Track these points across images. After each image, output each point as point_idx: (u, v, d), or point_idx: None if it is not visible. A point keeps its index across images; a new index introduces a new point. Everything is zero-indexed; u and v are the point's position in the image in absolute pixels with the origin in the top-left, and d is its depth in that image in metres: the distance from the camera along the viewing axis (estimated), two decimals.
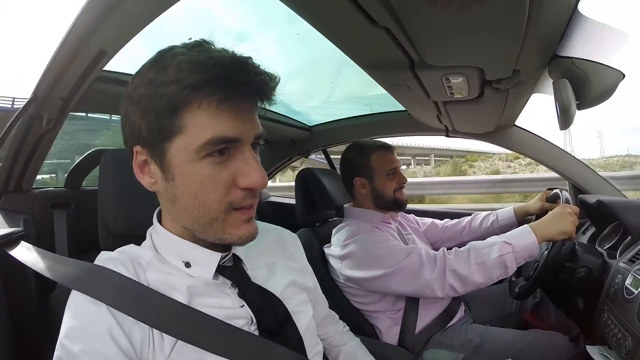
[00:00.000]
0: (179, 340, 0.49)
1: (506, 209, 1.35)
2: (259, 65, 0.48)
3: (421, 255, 1.02)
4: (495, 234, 1.04)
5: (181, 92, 0.45)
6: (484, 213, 1.39)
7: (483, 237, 1.03)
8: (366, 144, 1.25)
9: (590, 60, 0.75)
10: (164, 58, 0.48)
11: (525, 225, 1.00)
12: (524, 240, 0.96)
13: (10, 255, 0.71)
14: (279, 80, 0.49)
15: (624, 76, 0.79)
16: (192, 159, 0.48)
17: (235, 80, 0.45)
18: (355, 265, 1.09)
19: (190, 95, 0.45)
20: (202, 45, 0.48)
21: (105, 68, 0.75)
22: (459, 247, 1.02)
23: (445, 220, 1.45)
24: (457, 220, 1.42)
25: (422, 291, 1.01)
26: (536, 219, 1.11)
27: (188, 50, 0.47)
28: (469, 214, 1.44)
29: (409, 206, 1.35)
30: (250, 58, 0.47)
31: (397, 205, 1.22)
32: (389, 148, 1.25)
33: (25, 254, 0.69)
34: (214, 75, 0.44)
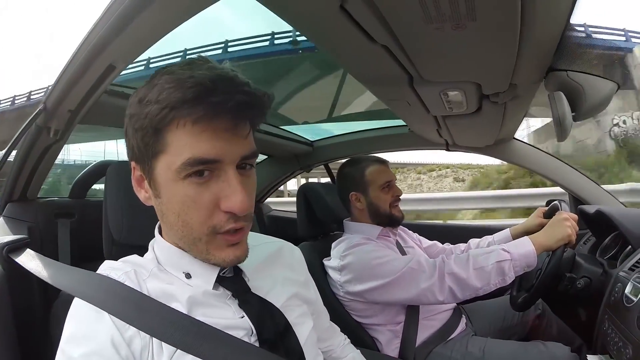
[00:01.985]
0: (178, 350, 0.49)
1: (503, 231, 1.35)
2: (247, 83, 0.46)
3: (420, 262, 1.03)
4: None
5: (161, 112, 0.45)
6: (479, 239, 1.38)
7: None
8: (360, 159, 1.27)
9: (584, 72, 0.77)
10: (155, 76, 0.48)
11: (525, 236, 1.02)
12: (522, 249, 0.97)
13: (15, 261, 0.73)
14: (271, 99, 0.48)
15: (618, 87, 0.81)
16: (175, 179, 0.48)
17: (211, 100, 0.44)
18: (354, 277, 1.10)
19: (169, 115, 0.45)
20: (192, 63, 0.47)
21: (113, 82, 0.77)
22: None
23: (446, 244, 1.45)
24: (455, 246, 1.42)
25: (424, 296, 1.01)
26: None
27: (178, 68, 0.47)
28: (463, 228, 1.44)
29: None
30: (237, 75, 0.46)
31: (392, 220, 1.22)
32: (383, 162, 1.26)
33: (30, 261, 0.70)
34: (191, 94, 0.44)
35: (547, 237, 0.99)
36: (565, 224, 0.98)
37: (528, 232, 1.26)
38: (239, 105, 0.45)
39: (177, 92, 0.44)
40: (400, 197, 1.23)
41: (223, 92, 0.44)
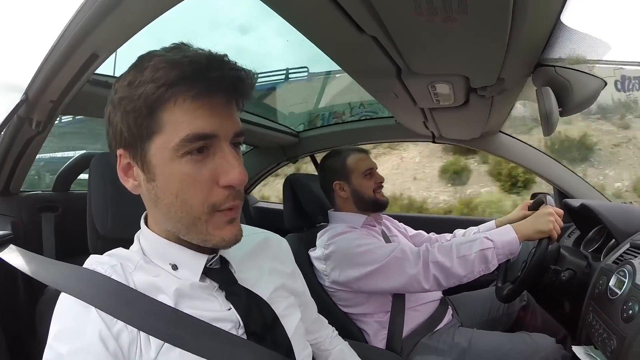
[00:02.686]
0: (166, 343, 0.49)
1: (488, 223, 1.37)
2: (236, 63, 0.48)
3: (404, 251, 1.04)
4: None
5: (157, 90, 0.46)
6: (465, 230, 1.40)
7: None
8: (340, 150, 1.29)
9: (572, 69, 0.78)
10: (142, 61, 0.48)
11: (507, 225, 1.04)
12: (505, 237, 0.99)
13: None
14: (257, 78, 0.50)
15: (605, 84, 0.83)
16: (172, 158, 0.48)
17: (210, 75, 0.46)
18: (338, 265, 1.10)
19: (167, 93, 0.46)
20: (179, 47, 0.49)
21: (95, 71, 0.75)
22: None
23: (431, 233, 1.47)
24: (440, 235, 1.44)
25: (410, 284, 1.02)
26: None
27: (166, 52, 0.48)
28: (449, 221, 1.46)
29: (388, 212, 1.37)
30: (226, 55, 0.48)
31: (377, 205, 1.24)
32: (363, 151, 1.28)
33: (14, 257, 0.69)
34: (189, 71, 0.45)
35: (529, 227, 1.01)
36: (549, 218, 1.00)
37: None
38: (234, 81, 0.47)
39: (174, 70, 0.45)
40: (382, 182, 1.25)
41: (219, 68, 0.46)
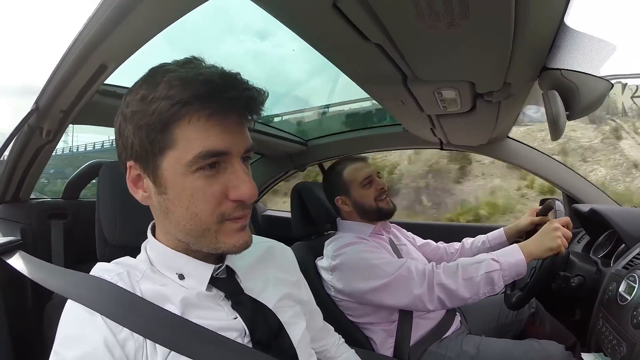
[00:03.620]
0: (172, 352, 0.49)
1: (496, 231, 1.36)
2: (248, 81, 0.49)
3: (410, 270, 1.03)
4: None
5: (172, 107, 0.46)
6: (473, 238, 1.39)
7: None
8: (338, 162, 1.28)
9: (579, 72, 0.77)
10: (155, 75, 0.49)
11: (514, 244, 1.02)
12: (512, 258, 0.97)
13: (7, 264, 0.72)
14: (268, 96, 0.51)
15: (612, 86, 0.82)
16: (184, 173, 0.49)
17: (224, 96, 0.47)
18: (345, 277, 1.10)
19: (181, 110, 0.47)
20: (192, 62, 0.49)
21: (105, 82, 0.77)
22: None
23: (440, 242, 1.45)
24: (449, 244, 1.43)
25: (414, 304, 1.02)
26: (527, 236, 1.10)
27: (178, 67, 0.49)
28: (457, 228, 1.44)
29: (397, 220, 1.36)
30: (239, 74, 0.49)
31: (382, 214, 1.22)
32: (359, 159, 1.26)
33: (23, 263, 0.70)
34: (203, 90, 0.46)
35: (537, 246, 0.98)
36: (555, 233, 0.97)
37: (520, 231, 1.28)
38: (247, 101, 0.48)
39: (187, 89, 0.46)
40: (385, 188, 1.23)
41: (233, 88, 0.47)
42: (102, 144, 7.53)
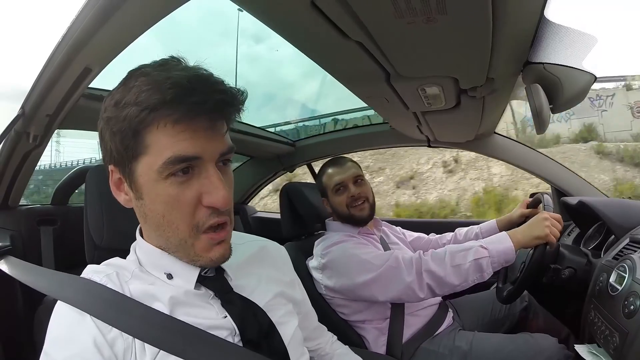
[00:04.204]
0: (161, 351, 0.49)
1: (489, 222, 1.37)
2: (223, 82, 0.48)
3: (398, 259, 1.04)
4: None
5: (140, 113, 0.46)
6: (466, 228, 1.40)
7: None
8: (323, 164, 1.29)
9: (561, 65, 0.78)
10: (130, 79, 0.49)
11: (503, 232, 1.02)
12: (500, 245, 0.98)
13: None
14: (246, 96, 0.50)
15: (595, 78, 0.83)
16: (156, 179, 0.48)
17: (190, 100, 0.45)
18: (335, 275, 1.10)
19: (149, 116, 0.46)
20: (167, 64, 0.49)
21: (91, 85, 0.77)
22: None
23: (431, 234, 1.46)
24: (441, 235, 1.43)
25: (405, 294, 1.02)
26: None
27: (152, 69, 0.48)
28: (449, 224, 1.46)
29: (388, 218, 1.37)
30: (212, 75, 0.48)
31: (354, 221, 1.20)
32: (334, 162, 1.25)
33: (12, 267, 0.70)
34: (170, 95, 0.45)
35: (525, 234, 0.99)
36: (544, 223, 0.98)
37: (512, 222, 1.30)
38: (216, 104, 0.47)
39: (155, 94, 0.45)
40: (361, 195, 1.19)
41: (201, 92, 0.46)
42: None
